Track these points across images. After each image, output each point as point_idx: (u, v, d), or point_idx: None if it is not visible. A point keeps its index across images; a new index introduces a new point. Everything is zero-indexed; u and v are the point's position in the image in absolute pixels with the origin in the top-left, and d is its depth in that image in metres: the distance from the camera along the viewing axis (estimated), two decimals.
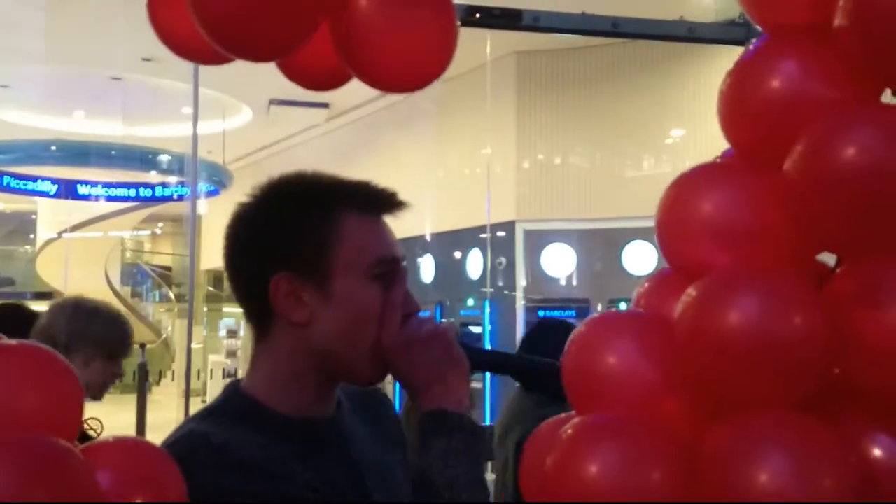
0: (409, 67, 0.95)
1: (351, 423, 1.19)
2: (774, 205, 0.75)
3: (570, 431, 0.76)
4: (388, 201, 1.17)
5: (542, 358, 1.14)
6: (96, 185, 13.51)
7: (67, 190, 13.57)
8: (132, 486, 0.79)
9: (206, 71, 7.41)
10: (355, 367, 1.12)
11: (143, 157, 12.58)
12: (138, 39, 8.68)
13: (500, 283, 9.19)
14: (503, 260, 9.15)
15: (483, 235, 9.19)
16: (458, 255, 10.02)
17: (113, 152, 12.27)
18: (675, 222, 0.80)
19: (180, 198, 13.37)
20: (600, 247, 8.88)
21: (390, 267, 1.12)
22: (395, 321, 1.10)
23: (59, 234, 15.51)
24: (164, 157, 12.57)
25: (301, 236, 1.11)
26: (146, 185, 13.65)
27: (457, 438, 1.02)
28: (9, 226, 22.22)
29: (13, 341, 0.82)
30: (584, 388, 0.80)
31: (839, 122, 0.71)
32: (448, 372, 1.08)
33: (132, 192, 13.74)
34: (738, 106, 0.80)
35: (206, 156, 12.11)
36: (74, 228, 15.05)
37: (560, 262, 9.05)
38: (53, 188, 13.47)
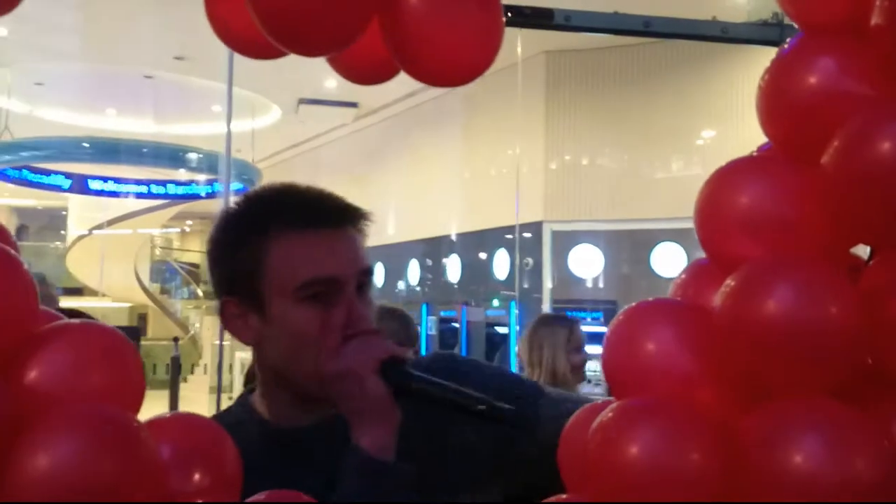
0: (456, 61, 0.99)
1: None
2: (811, 198, 0.78)
3: (609, 415, 0.79)
4: (326, 216, 1.11)
5: (481, 395, 1.03)
6: (107, 181, 13.67)
7: (80, 185, 13.75)
8: (191, 459, 0.83)
9: (236, 70, 7.49)
10: (305, 387, 1.11)
11: (173, 155, 12.73)
12: (170, 38, 8.81)
13: (527, 285, 9.19)
14: (530, 260, 9.16)
15: (509, 236, 9.20)
16: (484, 255, 10.04)
17: (144, 150, 12.43)
18: (713, 214, 0.83)
19: (209, 195, 13.48)
20: (628, 248, 8.87)
21: (323, 288, 1.09)
22: (331, 344, 1.07)
23: (90, 230, 15.68)
24: (193, 155, 12.69)
25: (236, 262, 1.12)
26: (157, 182, 13.82)
27: (362, 481, 0.99)
28: (40, 222, 22.55)
29: (77, 321, 0.86)
30: (623, 376, 0.83)
31: (875, 118, 0.74)
32: (364, 409, 1.04)
33: (144, 189, 13.92)
34: (775, 101, 0.83)
35: (236, 154, 12.20)
36: (104, 225, 15.21)
37: (587, 264, 9.03)
38: (67, 182, 13.66)
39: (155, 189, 13.79)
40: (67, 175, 13.45)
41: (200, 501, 0.80)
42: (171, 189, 13.81)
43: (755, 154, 0.89)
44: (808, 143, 0.79)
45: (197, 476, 0.82)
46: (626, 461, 0.75)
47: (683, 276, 0.91)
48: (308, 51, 0.96)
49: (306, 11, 0.89)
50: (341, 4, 0.90)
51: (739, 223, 0.80)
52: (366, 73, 1.08)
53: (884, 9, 0.78)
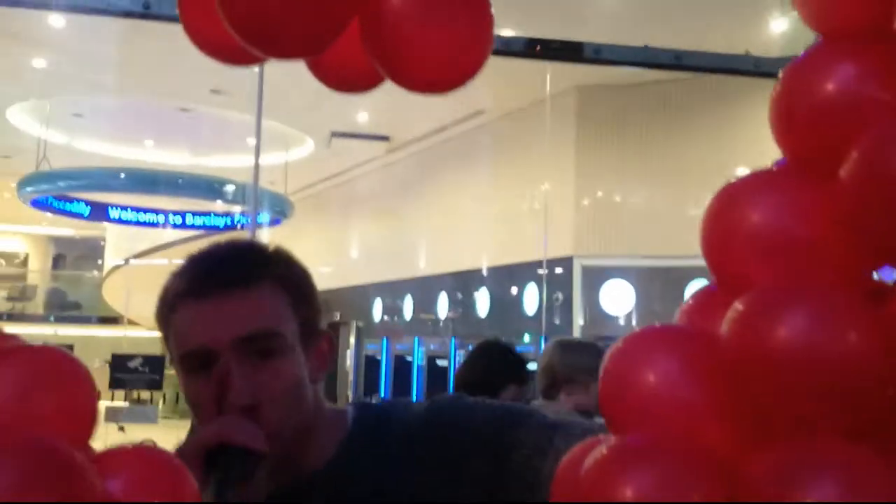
0: (440, 67, 0.92)
1: (344, 481, 1.13)
2: (828, 215, 0.70)
3: (604, 452, 0.71)
4: (202, 286, 1.09)
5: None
6: (126, 209, 13.89)
7: (100, 213, 13.95)
8: (145, 494, 0.76)
9: (270, 103, 7.56)
10: None
11: (209, 187, 12.85)
12: (207, 72, 8.94)
13: (557, 320, 9.08)
14: (560, 295, 9.05)
15: (540, 271, 9.11)
16: (514, 290, 9.95)
17: (180, 181, 12.56)
18: (720, 233, 0.75)
19: (240, 226, 13.56)
20: (660, 285, 8.73)
21: (199, 360, 1.06)
22: (205, 419, 1.05)
23: (126, 260, 15.88)
24: (230, 187, 12.79)
25: (162, 333, 1.14)
26: (175, 213, 13.96)
27: None
28: (78, 251, 22.92)
29: (32, 344, 0.81)
30: (621, 407, 0.75)
31: None
32: None
33: (161, 219, 14.10)
34: (789, 110, 0.75)
35: (269, 186, 12.31)
36: (140, 256, 15.38)
37: (618, 300, 8.91)
38: (87, 210, 13.92)
39: (172, 219, 13.96)
40: (87, 202, 13.67)
41: None
42: (189, 219, 13.98)
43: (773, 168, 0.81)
44: (824, 154, 0.71)
45: None
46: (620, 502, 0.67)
47: (691, 301, 0.83)
48: (282, 54, 0.91)
49: (276, 13, 0.83)
50: (314, 5, 0.84)
51: (748, 242, 0.72)
52: (348, 78, 1.02)
53: None
